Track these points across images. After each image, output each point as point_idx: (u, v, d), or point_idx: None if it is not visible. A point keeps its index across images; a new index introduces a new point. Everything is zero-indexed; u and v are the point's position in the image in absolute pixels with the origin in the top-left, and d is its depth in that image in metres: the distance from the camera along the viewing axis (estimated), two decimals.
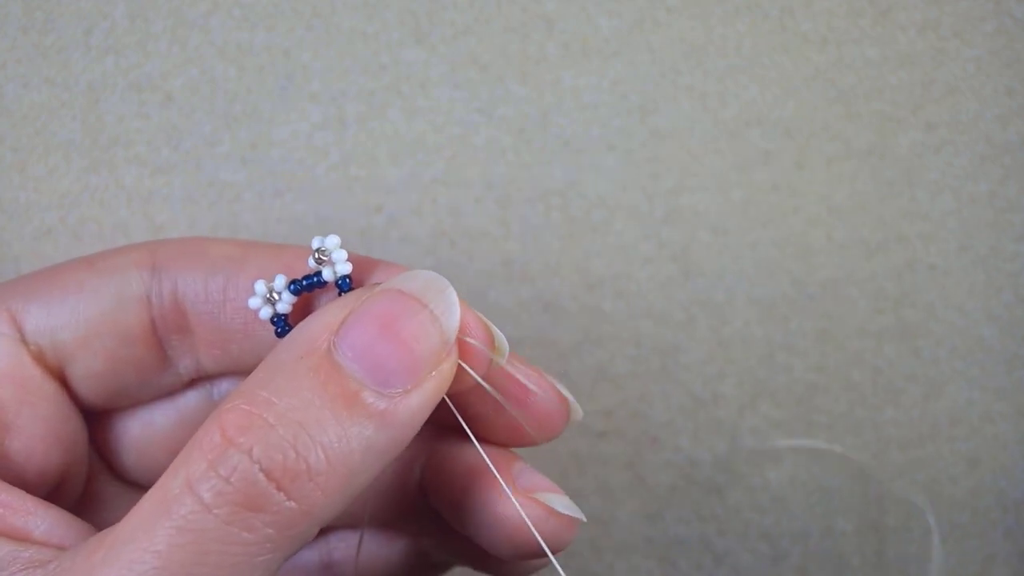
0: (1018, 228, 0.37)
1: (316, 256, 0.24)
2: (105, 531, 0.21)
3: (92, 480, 0.28)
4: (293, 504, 0.20)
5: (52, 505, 0.24)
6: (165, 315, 0.26)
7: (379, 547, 0.29)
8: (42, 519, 0.23)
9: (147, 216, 0.35)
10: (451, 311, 0.22)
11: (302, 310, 0.25)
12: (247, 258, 0.26)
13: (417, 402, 0.22)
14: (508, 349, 0.25)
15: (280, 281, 0.25)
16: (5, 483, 0.24)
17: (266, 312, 0.25)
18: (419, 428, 0.22)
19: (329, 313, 0.22)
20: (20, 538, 0.22)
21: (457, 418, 0.25)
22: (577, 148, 0.36)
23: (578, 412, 0.27)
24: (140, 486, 0.29)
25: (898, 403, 0.38)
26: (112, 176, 0.35)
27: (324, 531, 0.29)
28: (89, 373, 0.26)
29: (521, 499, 0.25)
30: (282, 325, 0.25)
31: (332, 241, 0.24)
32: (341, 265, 0.24)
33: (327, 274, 0.24)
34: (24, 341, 0.25)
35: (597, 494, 0.37)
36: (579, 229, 0.36)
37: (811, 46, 0.36)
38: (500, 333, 0.25)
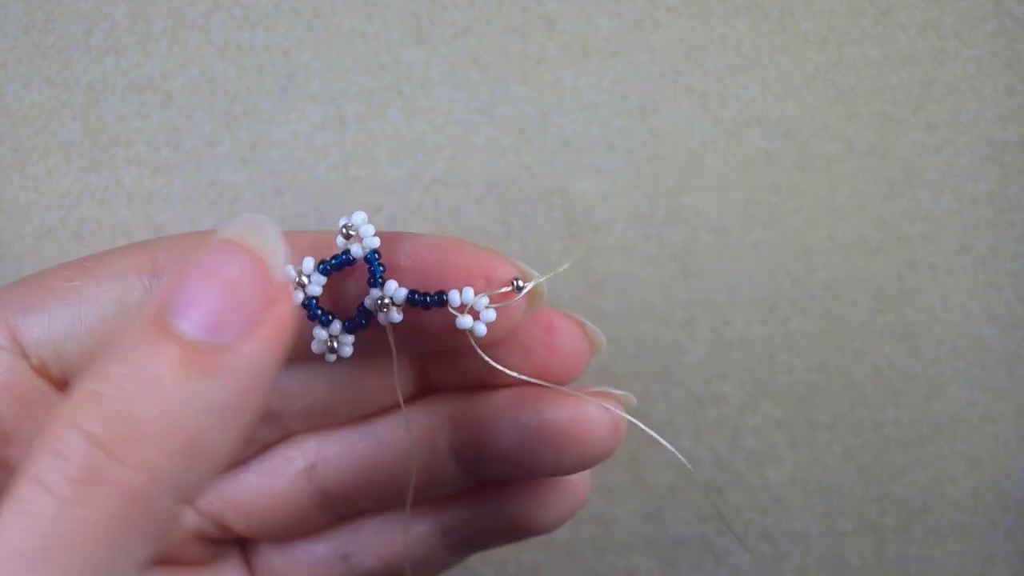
0: (1018, 228, 0.37)
1: (344, 231, 0.24)
2: None
3: None
4: (132, 472, 0.19)
5: None
6: None
7: (397, 529, 0.29)
8: None
9: (147, 216, 0.35)
10: (274, 249, 0.21)
11: (330, 293, 0.25)
12: None
13: (255, 348, 0.20)
14: (545, 290, 0.25)
15: (308, 263, 0.24)
16: None
17: (298, 296, 0.24)
18: (268, 377, 0.21)
19: (163, 284, 0.21)
20: None
21: (483, 356, 0.25)
22: (577, 148, 0.36)
23: (601, 341, 0.27)
24: None
25: (898, 403, 0.38)
26: (112, 176, 0.35)
27: (338, 522, 0.29)
28: None
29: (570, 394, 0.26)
30: (314, 308, 0.25)
31: (359, 217, 0.24)
32: (369, 239, 0.24)
33: (356, 251, 0.24)
34: (24, 354, 0.25)
35: (597, 494, 0.37)
36: (579, 229, 0.36)
37: (811, 46, 0.36)
38: (536, 275, 0.25)
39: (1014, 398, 0.38)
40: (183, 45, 0.35)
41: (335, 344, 0.25)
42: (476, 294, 0.24)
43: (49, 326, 0.25)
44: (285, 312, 0.21)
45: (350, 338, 0.25)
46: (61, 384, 0.25)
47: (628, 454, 0.37)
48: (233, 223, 0.21)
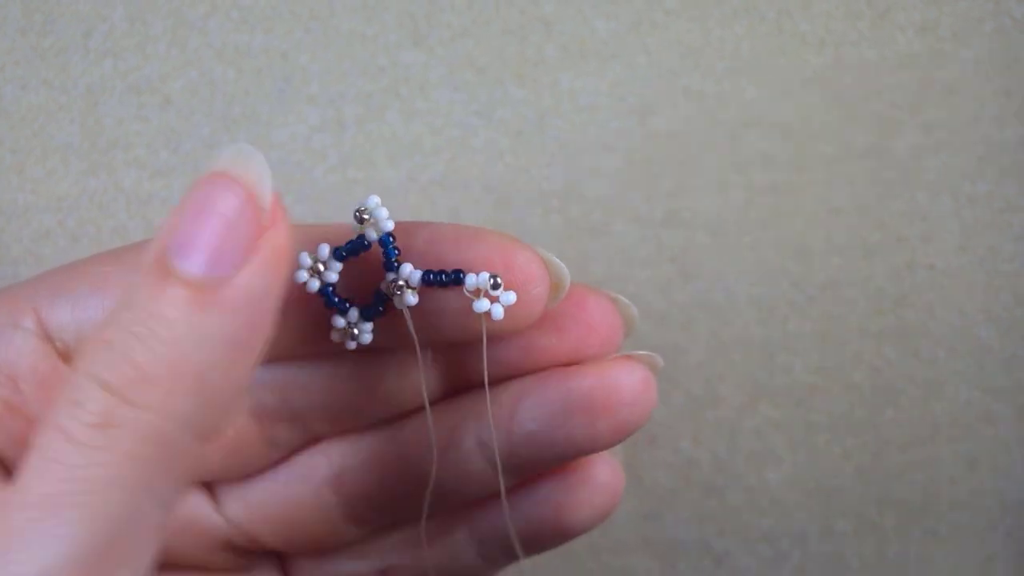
0: (1017, 228, 0.37)
1: (357, 215, 0.24)
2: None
3: None
4: (145, 413, 0.19)
5: None
6: None
7: (434, 541, 0.29)
8: None
9: (146, 219, 0.35)
10: (261, 178, 0.21)
11: (348, 281, 0.25)
12: None
13: (248, 279, 0.20)
14: (567, 281, 0.25)
15: (324, 249, 0.24)
16: None
17: (314, 284, 0.24)
18: (269, 305, 0.21)
19: (162, 227, 0.21)
20: None
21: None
22: (575, 150, 0.36)
23: (633, 316, 0.27)
24: None
25: (897, 404, 0.38)
26: (111, 179, 0.35)
27: (372, 536, 0.29)
28: None
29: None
30: (331, 295, 0.24)
31: (373, 201, 0.24)
32: (383, 222, 0.24)
33: (370, 234, 0.24)
34: (49, 337, 0.25)
35: None
36: (578, 231, 0.36)
37: (809, 48, 0.36)
38: (560, 264, 0.25)
39: (1013, 398, 0.38)
40: (182, 47, 0.35)
41: (355, 331, 0.25)
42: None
43: (74, 310, 0.25)
44: (279, 237, 0.21)
45: (369, 325, 0.25)
46: None
47: (626, 454, 0.37)
48: (220, 154, 0.21)
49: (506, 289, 0.24)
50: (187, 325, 0.20)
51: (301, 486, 0.28)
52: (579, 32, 0.36)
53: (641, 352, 0.27)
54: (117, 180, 0.35)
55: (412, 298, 0.24)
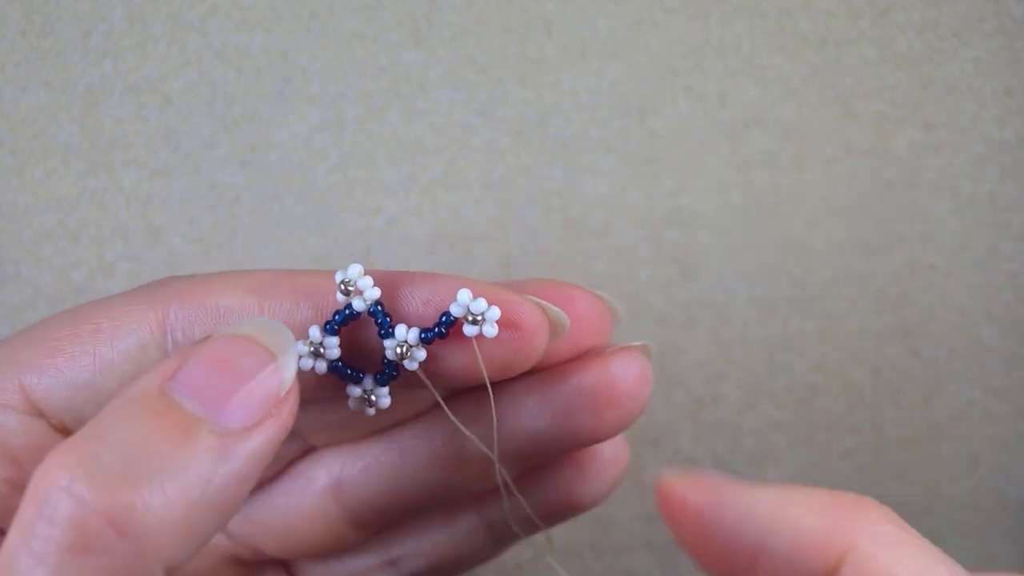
0: (1017, 228, 0.37)
1: (342, 287, 0.24)
2: None
3: None
4: (127, 544, 0.19)
5: None
6: None
7: (442, 529, 0.29)
8: None
9: (145, 219, 0.35)
10: (288, 353, 0.22)
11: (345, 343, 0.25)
12: (263, 308, 0.24)
13: (257, 443, 0.21)
14: (568, 323, 0.25)
15: (315, 332, 0.24)
16: None
17: (321, 366, 0.24)
18: (262, 467, 0.21)
19: (164, 363, 0.21)
20: None
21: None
22: (576, 149, 0.36)
23: (618, 308, 0.27)
24: None
25: (898, 403, 0.38)
26: (111, 179, 0.35)
27: (376, 534, 0.29)
28: None
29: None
30: (343, 369, 0.24)
31: (355, 270, 0.24)
32: (369, 292, 0.24)
33: (358, 305, 0.24)
34: (41, 413, 0.24)
35: None
36: (578, 230, 0.36)
37: (809, 47, 0.36)
38: (558, 311, 0.25)
39: (1013, 398, 0.38)
40: (181, 48, 0.35)
41: (372, 398, 0.25)
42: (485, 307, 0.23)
43: (69, 395, 0.24)
44: (288, 414, 0.22)
45: (385, 389, 0.25)
46: None
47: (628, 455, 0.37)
48: (250, 322, 0.22)
49: (488, 308, 0.24)
50: (199, 472, 0.20)
51: (301, 496, 0.28)
52: (580, 31, 0.36)
53: (635, 343, 0.27)
54: (117, 180, 0.35)
55: (420, 353, 0.24)
